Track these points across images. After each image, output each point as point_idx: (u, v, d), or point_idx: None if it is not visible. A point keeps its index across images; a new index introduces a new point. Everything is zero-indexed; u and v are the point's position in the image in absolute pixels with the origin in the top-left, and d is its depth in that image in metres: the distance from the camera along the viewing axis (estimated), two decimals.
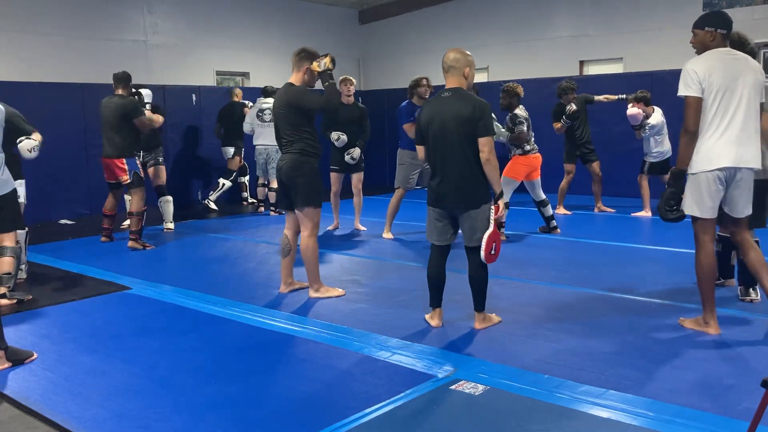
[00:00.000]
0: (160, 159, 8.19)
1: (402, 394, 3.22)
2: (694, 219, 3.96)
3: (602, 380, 3.34)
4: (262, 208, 9.66)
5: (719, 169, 3.81)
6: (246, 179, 10.35)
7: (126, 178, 6.87)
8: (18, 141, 5.31)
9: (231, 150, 9.81)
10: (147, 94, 7.70)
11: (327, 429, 2.88)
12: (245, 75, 11.88)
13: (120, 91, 7.03)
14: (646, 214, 8.38)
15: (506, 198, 6.95)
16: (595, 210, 8.90)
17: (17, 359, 3.73)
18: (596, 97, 8.66)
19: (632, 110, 8.14)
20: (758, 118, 3.90)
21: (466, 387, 3.28)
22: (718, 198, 3.88)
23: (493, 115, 4.16)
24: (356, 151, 7.45)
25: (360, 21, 13.68)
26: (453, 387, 3.29)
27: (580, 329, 4.14)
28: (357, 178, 7.80)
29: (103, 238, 7.49)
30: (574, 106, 8.23)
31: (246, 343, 4.11)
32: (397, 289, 5.22)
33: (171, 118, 9.45)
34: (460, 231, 4.16)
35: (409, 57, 12.95)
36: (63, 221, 9.01)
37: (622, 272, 5.60)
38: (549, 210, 7.35)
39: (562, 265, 5.91)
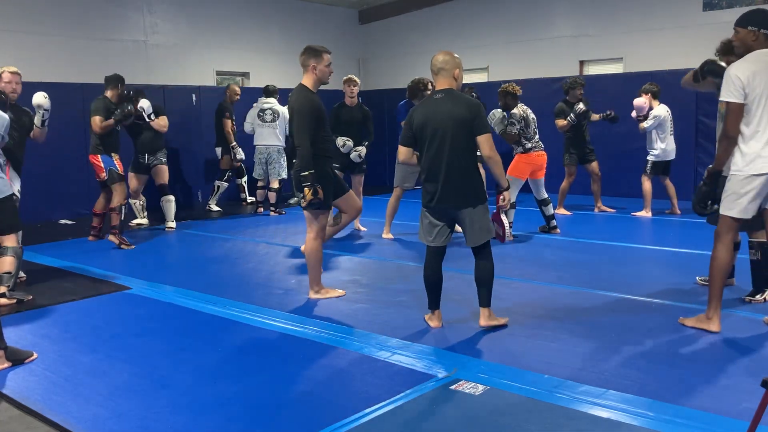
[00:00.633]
0: (163, 159, 8.21)
1: (402, 394, 3.21)
2: (722, 216, 3.96)
3: (602, 380, 3.34)
4: (262, 209, 9.66)
5: (760, 175, 3.81)
6: (244, 180, 10.34)
7: (103, 176, 7.06)
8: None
9: (219, 150, 9.82)
10: (147, 106, 7.74)
11: (327, 429, 2.88)
12: (245, 75, 11.88)
13: (108, 93, 7.22)
14: (646, 214, 8.37)
15: (512, 198, 6.95)
16: (595, 210, 8.90)
17: (17, 359, 3.73)
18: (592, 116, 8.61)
19: (639, 100, 8.14)
20: None
21: (466, 387, 3.28)
22: (757, 202, 3.89)
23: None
24: (363, 150, 7.34)
25: (360, 21, 13.68)
26: (453, 387, 3.29)
27: (580, 329, 4.14)
28: (358, 180, 7.69)
29: (90, 237, 7.53)
30: (583, 106, 8.20)
31: (246, 343, 4.11)
32: (397, 289, 5.22)
33: (171, 118, 9.38)
34: (458, 232, 4.16)
35: (409, 57, 12.96)
36: (63, 221, 9.01)
37: (622, 272, 5.60)
38: (550, 209, 7.34)
39: (562, 265, 5.91)
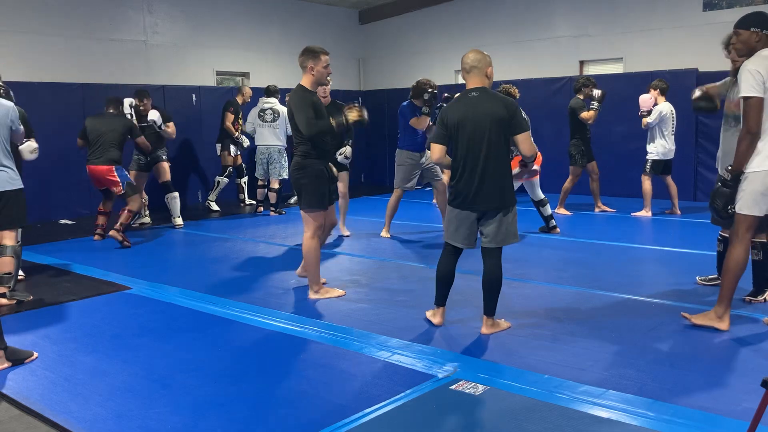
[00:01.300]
0: (164, 156, 8.23)
1: (402, 394, 3.22)
2: (744, 216, 3.92)
3: (602, 380, 3.34)
4: (262, 209, 9.66)
5: None
6: (244, 181, 10.34)
7: (119, 190, 7.17)
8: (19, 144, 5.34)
9: (218, 146, 9.85)
10: (156, 117, 7.87)
11: (327, 429, 2.88)
12: (245, 75, 11.88)
13: (111, 110, 7.42)
14: (646, 214, 8.37)
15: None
16: (596, 210, 8.89)
17: (17, 359, 3.73)
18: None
19: (645, 96, 8.13)
20: None
21: (466, 387, 3.28)
22: None
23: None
24: (348, 150, 7.03)
25: (360, 21, 13.68)
26: (453, 387, 3.29)
27: (580, 329, 4.14)
28: (343, 179, 7.19)
29: (96, 237, 7.57)
30: (600, 90, 8.13)
31: (246, 343, 4.11)
32: (397, 289, 5.22)
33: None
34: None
35: (409, 57, 12.96)
36: (63, 221, 9.01)
37: (622, 272, 5.60)
38: (548, 209, 7.34)
39: (562, 265, 5.91)
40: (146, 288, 5.44)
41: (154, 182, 8.58)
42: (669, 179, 8.32)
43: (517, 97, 6.92)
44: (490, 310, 4.10)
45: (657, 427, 2.84)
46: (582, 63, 11.07)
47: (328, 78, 6.84)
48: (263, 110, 9.39)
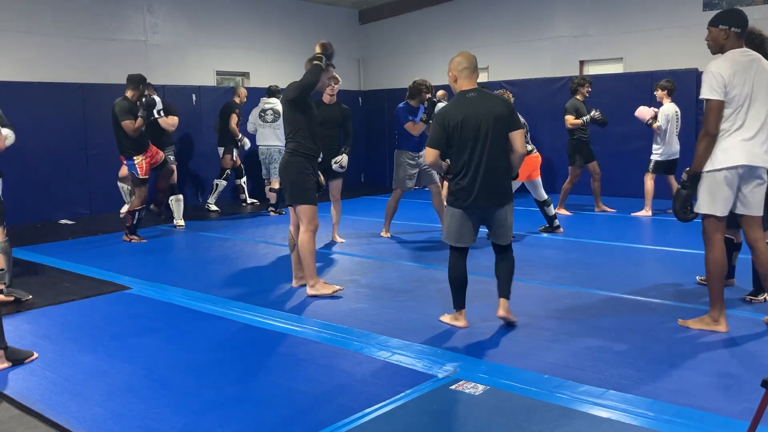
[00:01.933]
0: (171, 158, 8.24)
1: (402, 394, 3.22)
2: (706, 217, 3.98)
3: (602, 380, 3.34)
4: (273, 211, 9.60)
5: (735, 167, 3.84)
6: (243, 181, 10.34)
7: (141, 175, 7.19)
8: None
9: (221, 150, 9.84)
10: (158, 101, 7.77)
11: (327, 429, 2.88)
12: (245, 75, 11.87)
13: (128, 93, 7.22)
14: (646, 213, 8.37)
15: None
16: (596, 210, 8.89)
17: (17, 359, 3.73)
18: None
19: (640, 110, 8.16)
20: None
21: (466, 387, 3.28)
22: (732, 196, 3.91)
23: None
24: (344, 159, 6.64)
25: (360, 21, 13.67)
26: (453, 387, 3.29)
27: (580, 329, 4.14)
28: (336, 186, 7.01)
29: (153, 207, 7.84)
30: (600, 114, 8.22)
31: (246, 343, 4.11)
32: (397, 289, 5.22)
33: None
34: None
35: (409, 57, 12.96)
36: (63, 221, 9.01)
37: (622, 272, 5.60)
38: (551, 210, 7.35)
39: (562, 265, 5.91)
40: (146, 288, 5.44)
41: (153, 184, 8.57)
42: (672, 179, 8.32)
43: (512, 102, 6.94)
44: (506, 292, 4.20)
45: (657, 427, 2.84)
46: (582, 63, 11.07)
47: (338, 78, 6.78)
48: (264, 110, 9.41)
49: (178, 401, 3.23)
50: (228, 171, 9.84)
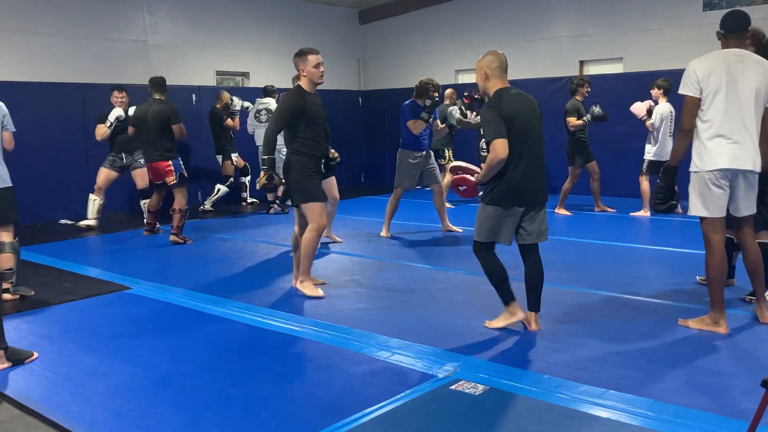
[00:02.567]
0: (141, 161, 8.22)
1: (402, 394, 3.21)
2: (702, 218, 3.99)
3: (602, 380, 3.34)
4: (278, 207, 9.60)
5: (719, 170, 3.86)
6: (247, 179, 10.35)
7: (172, 179, 7.22)
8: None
9: (220, 157, 9.84)
10: (119, 112, 7.93)
11: (327, 429, 2.88)
12: (245, 75, 11.88)
13: (157, 96, 7.33)
14: (645, 213, 8.38)
15: None
16: (596, 210, 8.90)
17: (17, 359, 3.73)
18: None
19: (635, 105, 8.14)
20: (758, 121, 3.91)
21: (466, 387, 3.28)
22: (723, 197, 3.92)
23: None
24: (335, 153, 6.05)
25: (360, 21, 13.67)
26: (453, 387, 3.29)
27: (580, 329, 4.14)
28: (330, 182, 6.63)
29: (145, 232, 7.77)
30: (601, 110, 8.20)
31: (246, 343, 4.11)
32: (397, 289, 5.22)
33: None
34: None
35: (409, 57, 12.96)
36: (63, 221, 9.01)
37: (622, 272, 5.60)
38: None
39: (562, 265, 5.90)
40: (146, 288, 5.44)
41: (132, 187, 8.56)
42: None
43: None
44: (536, 305, 4.13)
45: (657, 427, 2.83)
46: (582, 63, 11.07)
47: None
48: (258, 111, 9.46)
49: (178, 401, 3.23)
50: (231, 179, 9.86)
